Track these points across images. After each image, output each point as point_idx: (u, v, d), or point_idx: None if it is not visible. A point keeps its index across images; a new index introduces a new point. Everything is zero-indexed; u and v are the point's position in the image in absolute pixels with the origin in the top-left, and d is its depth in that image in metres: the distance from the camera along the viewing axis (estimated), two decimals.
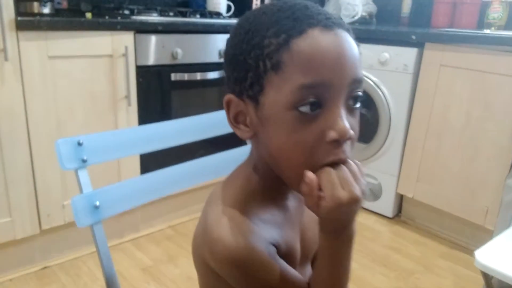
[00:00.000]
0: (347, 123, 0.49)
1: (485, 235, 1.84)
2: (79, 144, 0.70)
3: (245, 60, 0.51)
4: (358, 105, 0.52)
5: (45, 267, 1.70)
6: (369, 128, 2.19)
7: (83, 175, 0.71)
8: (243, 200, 0.56)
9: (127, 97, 1.74)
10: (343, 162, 0.50)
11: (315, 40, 0.48)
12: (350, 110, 0.51)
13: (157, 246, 1.90)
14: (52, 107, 1.57)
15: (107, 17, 1.71)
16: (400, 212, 2.24)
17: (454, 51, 1.85)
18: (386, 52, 2.05)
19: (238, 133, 0.56)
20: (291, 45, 0.48)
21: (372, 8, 2.54)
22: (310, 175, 0.48)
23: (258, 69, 0.50)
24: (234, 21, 2.10)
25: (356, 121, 0.52)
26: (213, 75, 1.99)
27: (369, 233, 2.07)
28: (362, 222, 2.17)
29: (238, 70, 0.52)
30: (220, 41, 1.99)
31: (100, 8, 2.01)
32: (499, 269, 1.06)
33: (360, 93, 0.51)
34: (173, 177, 0.84)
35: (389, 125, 2.11)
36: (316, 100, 0.48)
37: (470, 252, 1.91)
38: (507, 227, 1.31)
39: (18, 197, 1.57)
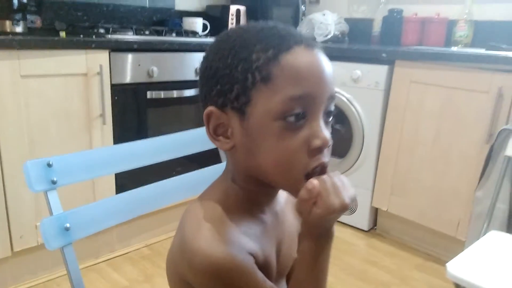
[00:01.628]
0: (328, 132, 0.54)
1: (457, 246, 1.89)
2: (49, 165, 0.69)
3: (231, 73, 0.54)
4: (331, 119, 0.57)
5: None
6: (343, 143, 2.24)
7: (53, 196, 0.70)
8: (221, 212, 0.57)
9: (102, 115, 1.73)
10: (325, 166, 0.55)
11: (301, 56, 0.53)
12: (326, 123, 0.56)
13: (133, 266, 1.87)
14: (25, 126, 1.55)
15: (81, 36, 1.72)
16: (376, 225, 2.28)
17: (423, 68, 1.92)
18: (358, 69, 2.11)
19: (217, 144, 0.58)
20: (280, 59, 0.52)
21: (345, 27, 2.61)
22: (314, 183, 0.52)
23: (246, 81, 0.53)
24: (210, 40, 2.13)
25: (329, 132, 0.56)
26: (189, 92, 2.01)
27: (345, 246, 2.09)
28: (338, 235, 2.19)
29: (222, 83, 0.54)
30: (197, 59, 2.02)
31: (75, 26, 2.02)
32: (470, 280, 1.10)
33: (332, 109, 0.57)
34: (147, 196, 0.84)
35: (363, 140, 2.16)
36: (301, 111, 0.52)
37: (444, 263, 1.93)
38: (478, 238, 1.35)
39: None
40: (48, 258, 1.74)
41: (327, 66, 0.55)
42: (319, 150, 0.54)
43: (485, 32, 2.24)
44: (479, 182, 1.52)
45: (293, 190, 0.56)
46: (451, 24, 2.31)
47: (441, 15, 2.36)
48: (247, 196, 0.60)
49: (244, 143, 0.56)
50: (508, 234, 1.35)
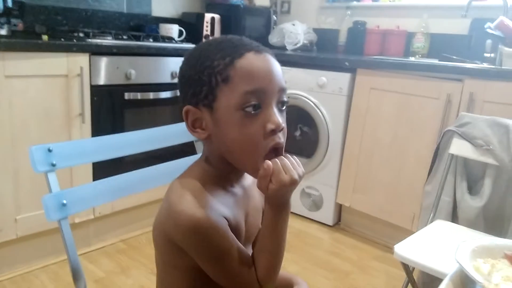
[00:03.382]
0: (280, 118, 0.68)
1: None
2: (49, 150, 0.81)
3: (200, 78, 0.68)
4: (284, 107, 0.71)
5: None
6: (310, 144, 2.39)
7: (52, 177, 0.82)
8: (200, 185, 0.71)
9: (81, 114, 1.82)
10: (281, 145, 0.69)
11: (251, 60, 0.67)
12: (280, 111, 0.70)
13: (109, 259, 1.96)
14: (7, 124, 1.63)
15: (62, 40, 1.81)
16: (340, 220, 2.44)
17: (382, 76, 2.10)
18: (323, 76, 2.28)
19: (196, 135, 0.72)
20: (235, 64, 0.66)
21: (313, 36, 2.79)
22: (268, 163, 0.66)
23: (211, 83, 0.67)
24: (185, 45, 2.25)
25: (284, 119, 0.70)
26: (165, 94, 2.12)
27: (311, 240, 2.24)
28: (305, 230, 2.35)
29: (194, 86, 0.69)
30: (172, 63, 2.13)
31: (55, 30, 2.09)
32: (414, 259, 1.25)
33: (285, 99, 0.71)
34: (132, 180, 0.96)
35: (328, 142, 2.32)
36: (257, 102, 0.66)
37: None
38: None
39: None
40: (26, 251, 1.80)
41: (275, 65, 0.70)
42: (274, 132, 0.67)
43: (439, 44, 2.46)
44: (427, 178, 1.69)
45: (255, 171, 0.69)
46: (409, 36, 2.52)
47: (401, 27, 2.56)
48: (220, 174, 0.74)
49: (216, 133, 0.70)
50: (450, 223, 1.52)
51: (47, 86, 1.73)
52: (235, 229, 0.72)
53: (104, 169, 1.89)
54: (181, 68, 0.72)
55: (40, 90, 1.71)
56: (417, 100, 2.00)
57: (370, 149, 2.18)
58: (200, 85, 0.68)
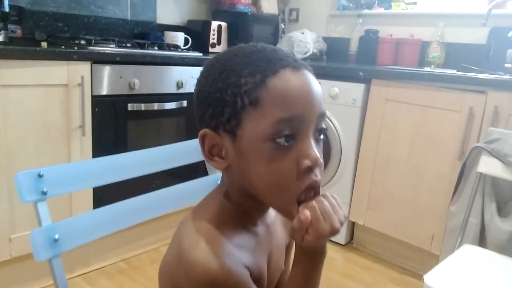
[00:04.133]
0: (317, 152, 0.55)
1: (431, 259, 1.94)
2: (40, 176, 0.70)
3: (222, 97, 0.55)
4: (322, 136, 0.58)
5: None
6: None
7: (43, 207, 0.70)
8: (217, 225, 0.59)
9: (82, 126, 1.72)
10: (317, 184, 0.56)
11: (288, 79, 0.54)
12: (317, 141, 0.57)
13: (109, 280, 1.84)
14: (2, 136, 1.52)
15: (63, 47, 1.71)
16: (352, 239, 2.32)
17: (398, 87, 1.99)
18: (336, 87, 2.17)
19: (213, 165, 0.60)
20: (267, 83, 0.54)
21: (323, 45, 2.69)
22: (306, 214, 0.54)
23: (235, 104, 0.55)
24: (192, 54, 2.15)
25: (321, 150, 0.58)
26: (170, 105, 2.01)
27: None
28: None
29: (214, 106, 0.56)
30: (178, 72, 2.03)
31: (56, 37, 2.00)
32: None
33: (324, 126, 0.58)
34: (134, 208, 0.85)
35: (340, 156, 2.20)
36: (291, 132, 0.54)
37: (418, 277, 2.00)
38: (451, 252, 1.40)
39: None
40: (21, 272, 1.69)
41: (315, 86, 0.57)
42: (310, 169, 0.55)
43: (456, 54, 2.35)
44: (452, 198, 1.58)
45: (285, 213, 0.58)
46: (424, 46, 2.42)
47: (415, 36, 2.46)
48: (241, 211, 0.62)
49: (238, 163, 0.58)
50: (480, 248, 1.40)
51: (46, 96, 1.62)
52: (257, 279, 0.60)
53: (106, 193, 1.80)
54: (199, 82, 0.60)
55: (38, 101, 1.60)
56: (436, 113, 1.89)
57: (385, 164, 2.07)
58: (222, 105, 0.56)
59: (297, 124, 0.54)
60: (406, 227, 2.02)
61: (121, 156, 0.85)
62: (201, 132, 0.59)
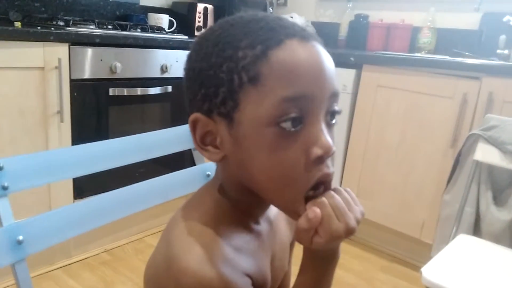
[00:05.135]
0: (329, 139, 0.47)
1: (421, 248, 1.92)
2: (0, 168, 0.61)
3: (216, 74, 0.47)
4: (334, 121, 0.50)
5: None
6: None
7: (4, 205, 0.62)
8: (213, 226, 0.51)
9: (60, 112, 1.62)
10: (330, 176, 0.48)
11: (294, 51, 0.46)
12: (329, 126, 0.49)
13: (92, 272, 1.76)
14: None
15: (38, 27, 1.60)
16: None
17: (389, 73, 1.94)
18: None
19: (206, 155, 0.51)
20: (270, 56, 0.45)
21: (311, 30, 2.61)
22: (316, 211, 0.46)
23: (232, 83, 0.46)
24: (177, 36, 2.06)
25: (333, 136, 0.49)
26: (154, 90, 1.92)
27: None
28: None
29: (207, 86, 0.48)
30: (162, 56, 1.94)
31: (32, 17, 1.88)
32: (445, 285, 1.09)
33: (337, 108, 0.50)
34: (112, 204, 0.77)
35: None
36: (298, 114, 0.45)
37: (408, 265, 1.98)
38: (445, 241, 1.37)
39: None
40: None
41: (327, 59, 0.48)
42: (321, 160, 0.46)
43: (447, 40, 2.31)
44: (447, 186, 1.54)
45: (290, 211, 0.50)
46: (415, 31, 2.36)
47: (406, 21, 2.40)
48: (240, 208, 0.54)
49: (235, 154, 0.49)
50: (476, 238, 1.37)
51: (21, 80, 1.52)
52: (259, 285, 0.53)
53: (88, 183, 1.71)
54: (190, 57, 0.51)
55: (12, 85, 1.50)
56: (428, 99, 1.85)
57: (375, 151, 2.03)
58: (216, 84, 0.47)
59: (306, 105, 0.46)
60: (396, 215, 1.98)
61: (98, 144, 0.76)
62: (192, 117, 0.50)
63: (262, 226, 0.57)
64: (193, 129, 0.51)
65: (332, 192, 0.48)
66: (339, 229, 0.46)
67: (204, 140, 0.51)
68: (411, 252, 2.01)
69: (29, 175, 0.67)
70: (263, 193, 0.51)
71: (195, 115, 0.50)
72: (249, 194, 0.52)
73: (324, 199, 0.47)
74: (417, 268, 1.95)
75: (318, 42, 0.50)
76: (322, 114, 0.47)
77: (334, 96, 0.49)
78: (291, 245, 0.68)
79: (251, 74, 0.45)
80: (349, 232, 0.47)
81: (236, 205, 0.54)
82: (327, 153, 0.46)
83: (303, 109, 0.46)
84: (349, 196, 0.49)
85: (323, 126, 0.47)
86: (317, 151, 0.46)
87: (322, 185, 0.48)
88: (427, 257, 1.85)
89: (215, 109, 0.48)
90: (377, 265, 1.98)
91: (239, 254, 0.50)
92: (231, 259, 0.49)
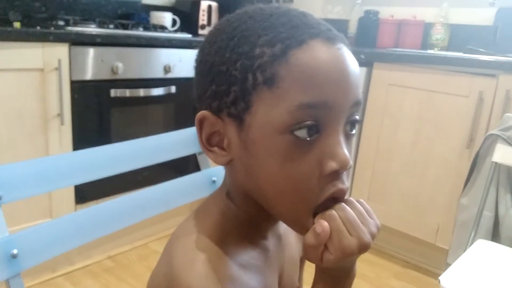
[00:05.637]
0: (347, 151, 0.42)
1: (436, 253, 1.85)
2: None
3: (229, 71, 0.43)
4: (354, 131, 0.45)
5: None
6: None
7: None
8: (219, 240, 0.46)
9: (60, 115, 1.57)
10: (344, 193, 0.43)
11: (317, 53, 0.41)
12: (347, 136, 0.44)
13: (95, 279, 1.71)
14: None
15: (38, 27, 1.55)
16: None
17: (401, 71, 1.86)
18: None
19: (212, 157, 0.47)
20: (290, 56, 0.41)
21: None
22: (324, 225, 0.41)
23: (245, 82, 0.42)
24: (180, 35, 2.00)
25: (351, 148, 0.45)
26: (157, 91, 1.86)
27: None
28: None
29: (218, 83, 0.44)
30: (165, 56, 1.88)
31: (31, 18, 1.84)
32: None
33: (357, 118, 0.45)
34: (113, 213, 0.71)
35: None
36: (315, 123, 0.41)
37: (422, 271, 1.91)
38: (462, 246, 1.30)
39: None
40: None
41: (352, 65, 0.44)
42: (336, 175, 0.42)
43: (460, 36, 2.23)
44: (464, 189, 1.46)
45: (297, 226, 0.46)
46: (427, 27, 2.29)
47: (417, 17, 2.33)
48: (248, 220, 0.49)
49: (242, 159, 0.45)
50: (495, 243, 1.30)
51: (19, 81, 1.47)
52: None
53: (90, 187, 1.64)
54: (202, 50, 0.47)
55: (10, 87, 1.45)
56: (442, 98, 1.77)
57: (388, 153, 1.95)
58: (228, 82, 0.43)
59: (324, 113, 0.41)
60: (410, 219, 1.91)
61: (99, 150, 0.72)
62: (199, 114, 0.46)
63: (270, 242, 0.52)
64: (200, 127, 0.47)
65: (343, 204, 0.43)
66: (352, 245, 0.41)
67: (210, 141, 0.47)
68: (425, 258, 1.93)
69: (25, 184, 0.62)
70: (268, 205, 0.46)
71: (203, 113, 0.46)
72: (254, 205, 0.48)
73: (333, 211, 0.43)
74: (432, 274, 1.87)
75: (345, 44, 0.45)
76: (341, 124, 0.43)
77: (356, 105, 0.44)
78: (302, 260, 0.63)
79: (267, 74, 0.41)
80: (363, 248, 0.42)
81: (243, 216, 0.49)
82: (343, 168, 0.42)
83: (320, 118, 0.41)
84: (363, 208, 0.44)
85: (341, 138, 0.43)
86: (332, 165, 0.42)
87: (334, 202, 0.44)
88: (442, 263, 1.78)
89: (225, 109, 0.44)
90: (391, 271, 1.91)
91: (245, 272, 0.46)
92: (236, 278, 0.44)
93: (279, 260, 0.54)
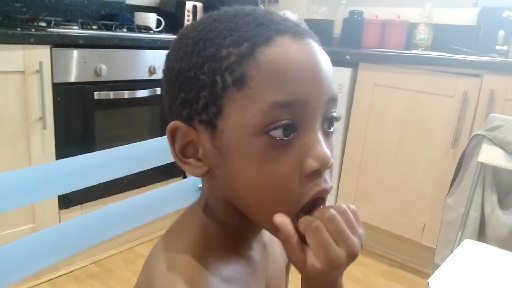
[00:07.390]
0: (327, 149, 0.41)
1: (422, 251, 1.86)
2: None
3: (196, 76, 0.41)
4: (332, 128, 0.44)
5: None
6: None
7: None
8: (199, 255, 0.44)
9: (42, 118, 1.54)
10: (327, 192, 0.42)
11: (286, 49, 0.40)
12: (326, 134, 0.43)
13: (80, 285, 1.68)
14: None
15: (18, 29, 1.51)
16: None
17: (387, 71, 1.87)
18: None
19: (188, 169, 0.45)
20: (257, 55, 0.40)
21: (305, 26, 2.54)
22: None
23: (215, 86, 0.40)
24: (165, 36, 1.97)
25: (331, 146, 0.43)
26: (142, 93, 1.84)
27: None
28: None
29: (187, 90, 0.42)
30: (150, 57, 1.85)
31: (12, 19, 1.80)
32: None
33: (335, 114, 0.44)
34: (96, 224, 0.69)
35: None
36: (290, 121, 0.40)
37: (409, 269, 1.92)
38: (449, 246, 1.31)
39: None
40: None
41: (324, 60, 0.43)
42: (317, 173, 0.41)
43: (444, 36, 2.25)
44: (449, 189, 1.47)
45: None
46: (411, 27, 2.30)
47: (402, 17, 2.34)
48: (230, 231, 0.47)
49: (219, 167, 0.43)
50: (481, 243, 1.31)
51: None
52: None
53: (73, 192, 1.62)
54: (168, 57, 0.45)
55: None
56: (427, 98, 1.79)
57: (374, 153, 1.96)
58: (197, 87, 0.41)
59: (299, 111, 0.40)
60: (396, 219, 1.92)
61: (82, 158, 0.69)
62: (170, 125, 0.44)
63: (256, 252, 0.50)
64: (172, 139, 0.44)
65: (331, 213, 0.40)
66: (340, 256, 0.39)
67: (185, 152, 0.45)
68: (412, 257, 1.95)
69: (6, 196, 0.59)
70: (250, 212, 0.45)
71: (174, 123, 0.44)
72: (237, 215, 0.46)
73: (319, 222, 0.40)
74: (418, 273, 1.89)
75: (314, 39, 0.44)
76: (318, 121, 0.42)
77: (332, 101, 0.43)
78: (287, 268, 0.62)
79: (236, 75, 0.40)
80: (352, 258, 0.40)
81: (225, 227, 0.47)
82: (324, 166, 0.40)
83: (296, 116, 0.40)
84: (351, 215, 0.42)
85: (320, 135, 0.41)
86: (313, 164, 0.40)
87: (319, 203, 0.42)
88: (428, 261, 1.80)
89: (196, 116, 0.43)
90: (378, 271, 1.92)
91: (229, 286, 0.44)
92: None
93: (266, 270, 0.52)
